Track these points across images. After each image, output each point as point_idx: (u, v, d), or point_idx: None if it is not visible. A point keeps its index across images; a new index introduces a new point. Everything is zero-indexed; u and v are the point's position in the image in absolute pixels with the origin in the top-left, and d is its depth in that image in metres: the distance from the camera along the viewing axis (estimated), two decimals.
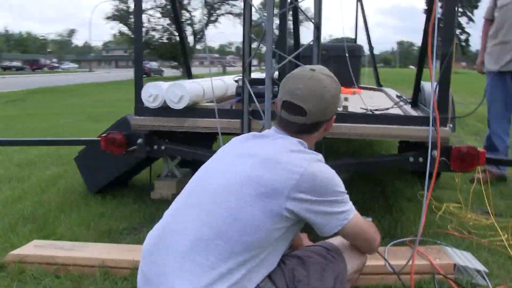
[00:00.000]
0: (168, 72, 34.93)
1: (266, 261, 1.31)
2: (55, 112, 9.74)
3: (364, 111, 2.81)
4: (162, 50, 27.79)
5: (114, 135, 2.69)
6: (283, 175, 1.28)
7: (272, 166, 1.30)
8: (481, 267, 2.06)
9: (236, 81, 3.39)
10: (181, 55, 28.66)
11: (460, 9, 49.24)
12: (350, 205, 1.37)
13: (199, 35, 30.88)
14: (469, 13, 49.01)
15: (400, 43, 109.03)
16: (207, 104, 2.83)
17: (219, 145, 2.48)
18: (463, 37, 50.28)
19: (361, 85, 5.78)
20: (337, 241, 1.52)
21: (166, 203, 3.16)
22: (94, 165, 3.35)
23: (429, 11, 3.05)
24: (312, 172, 1.29)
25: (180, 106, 2.61)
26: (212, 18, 31.15)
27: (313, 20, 2.47)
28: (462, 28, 49.99)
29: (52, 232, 2.69)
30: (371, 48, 6.45)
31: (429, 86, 3.33)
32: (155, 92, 2.60)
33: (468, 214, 2.91)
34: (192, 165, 3.81)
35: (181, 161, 3.46)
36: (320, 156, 1.36)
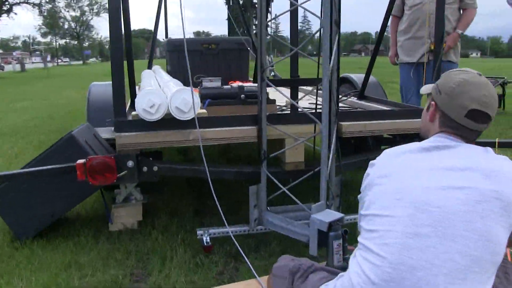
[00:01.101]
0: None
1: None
2: None
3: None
4: None
5: (100, 159, 2.07)
6: None
7: (501, 179, 1.19)
8: None
9: (200, 82, 3.01)
10: None
11: (256, 0, 53.82)
12: None
13: None
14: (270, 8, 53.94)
15: (197, 33, 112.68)
16: (201, 110, 2.42)
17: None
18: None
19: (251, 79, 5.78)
20: None
21: (138, 234, 2.65)
22: (24, 202, 2.52)
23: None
24: None
25: (190, 116, 2.16)
26: (5, 8, 26.84)
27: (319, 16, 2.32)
28: None
29: None
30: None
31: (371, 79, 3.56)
32: (158, 101, 2.09)
33: None
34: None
35: None
36: None
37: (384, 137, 3.23)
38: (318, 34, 2.11)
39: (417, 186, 1.23)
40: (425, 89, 1.55)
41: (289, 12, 2.33)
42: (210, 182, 2.19)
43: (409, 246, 1.14)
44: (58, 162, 2.37)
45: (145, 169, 2.26)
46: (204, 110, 2.41)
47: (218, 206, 2.15)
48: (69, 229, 2.68)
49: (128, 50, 2.88)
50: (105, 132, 2.85)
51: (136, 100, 2.09)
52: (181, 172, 2.36)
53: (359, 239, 1.32)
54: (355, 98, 3.55)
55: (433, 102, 1.40)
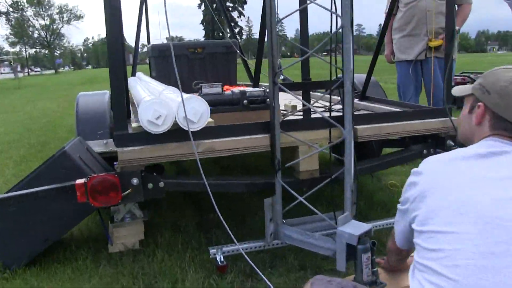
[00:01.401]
0: None
1: None
2: None
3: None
4: None
5: (102, 178, 1.87)
6: None
7: None
8: None
9: (199, 88, 2.83)
10: None
11: (231, 4, 53.88)
12: None
13: None
14: (240, 8, 54.01)
15: (170, 39, 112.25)
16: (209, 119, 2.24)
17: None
18: (236, 30, 55.04)
19: (239, 82, 5.60)
20: None
21: (141, 254, 2.45)
22: (13, 227, 2.29)
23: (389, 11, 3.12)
24: None
25: (199, 126, 1.99)
26: None
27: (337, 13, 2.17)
28: (235, 22, 54.83)
29: None
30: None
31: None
32: (165, 112, 1.90)
33: None
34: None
35: None
36: None
37: (388, 139, 3.11)
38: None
39: (482, 198, 1.10)
40: (462, 90, 1.41)
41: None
42: (212, 198, 1.98)
43: (484, 267, 1.01)
44: (51, 182, 2.17)
45: (150, 185, 2.08)
46: (211, 119, 2.23)
47: (226, 226, 1.92)
48: (64, 253, 2.46)
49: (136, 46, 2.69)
50: (98, 146, 2.64)
51: (139, 111, 1.90)
52: (188, 187, 2.18)
53: (416, 258, 1.18)
54: (357, 99, 3.43)
55: (480, 103, 1.27)
